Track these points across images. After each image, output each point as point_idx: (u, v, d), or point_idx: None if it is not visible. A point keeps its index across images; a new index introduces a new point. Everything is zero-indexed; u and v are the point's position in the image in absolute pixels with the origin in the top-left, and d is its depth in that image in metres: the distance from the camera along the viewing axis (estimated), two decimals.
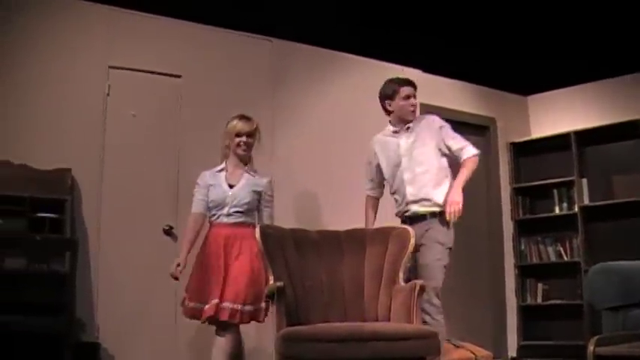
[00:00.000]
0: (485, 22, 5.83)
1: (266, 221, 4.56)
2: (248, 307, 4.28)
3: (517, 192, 7.67)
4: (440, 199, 4.58)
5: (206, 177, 4.62)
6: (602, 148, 7.38)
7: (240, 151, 4.58)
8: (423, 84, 5.14)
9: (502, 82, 7.53)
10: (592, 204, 7.21)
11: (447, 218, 4.49)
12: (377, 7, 5.51)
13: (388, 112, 4.80)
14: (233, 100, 5.69)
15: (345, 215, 5.08)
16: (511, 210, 7.61)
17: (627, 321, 3.90)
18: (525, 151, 7.78)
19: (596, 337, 2.92)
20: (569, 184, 7.35)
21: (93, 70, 5.32)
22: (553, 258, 7.45)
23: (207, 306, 4.22)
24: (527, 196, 7.71)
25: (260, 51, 6.07)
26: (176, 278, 4.46)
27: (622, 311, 3.95)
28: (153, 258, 5.21)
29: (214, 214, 4.54)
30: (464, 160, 4.62)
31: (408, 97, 4.70)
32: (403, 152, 4.69)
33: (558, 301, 7.32)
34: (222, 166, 4.64)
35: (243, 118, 4.59)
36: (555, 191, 7.49)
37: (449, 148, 4.66)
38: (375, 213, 4.95)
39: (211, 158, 4.72)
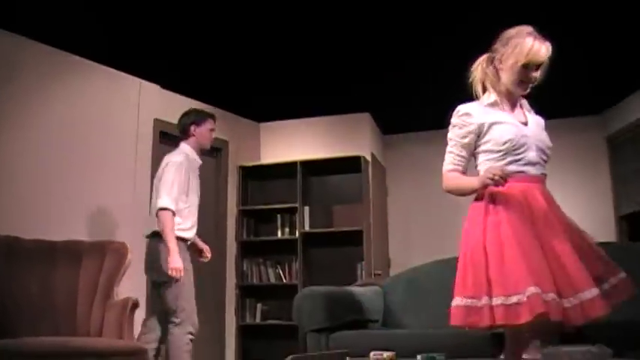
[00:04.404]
0: (224, 45, 5.96)
1: None
2: None
3: (243, 214, 7.85)
4: None
5: None
6: (325, 179, 7.88)
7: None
8: (160, 99, 5.17)
9: (237, 106, 7.70)
10: (312, 230, 7.61)
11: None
12: (120, 19, 5.40)
13: (188, 136, 5.06)
14: None
15: (66, 225, 4.86)
16: (236, 231, 7.77)
17: (330, 342, 4.19)
18: (254, 175, 8.02)
19: (290, 356, 3.11)
20: (292, 211, 7.70)
21: None
22: (273, 280, 7.72)
23: None
24: (253, 218, 7.93)
25: None
26: None
27: (325, 333, 4.23)
28: None
29: None
30: None
31: (212, 130, 5.16)
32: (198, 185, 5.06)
33: (276, 322, 7.58)
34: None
35: None
36: (279, 216, 7.79)
37: None
38: None
39: None
